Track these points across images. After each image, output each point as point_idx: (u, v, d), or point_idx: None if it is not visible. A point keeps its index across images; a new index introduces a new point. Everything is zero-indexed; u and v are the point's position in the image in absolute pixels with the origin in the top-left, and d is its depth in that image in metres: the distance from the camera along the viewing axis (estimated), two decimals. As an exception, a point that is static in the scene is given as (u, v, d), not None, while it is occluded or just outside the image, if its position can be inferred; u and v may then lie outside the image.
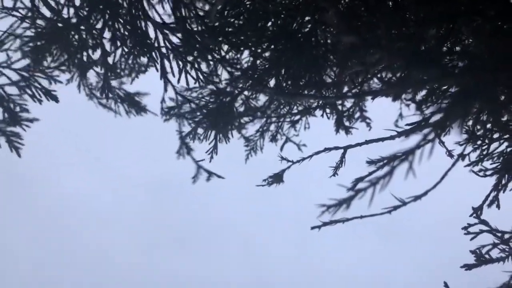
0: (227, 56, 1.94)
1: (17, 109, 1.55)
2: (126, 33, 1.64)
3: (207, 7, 1.92)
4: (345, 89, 2.20)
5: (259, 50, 2.05)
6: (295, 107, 2.50)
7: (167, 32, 1.68)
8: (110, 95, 1.86)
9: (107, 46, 1.71)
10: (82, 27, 1.62)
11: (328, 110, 2.45)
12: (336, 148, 1.71)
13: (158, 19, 1.70)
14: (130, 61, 1.74)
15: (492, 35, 1.43)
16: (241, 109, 2.34)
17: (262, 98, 2.48)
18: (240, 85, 2.10)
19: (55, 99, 1.59)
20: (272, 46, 2.03)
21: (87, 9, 1.59)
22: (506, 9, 1.39)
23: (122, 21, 1.62)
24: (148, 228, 7.51)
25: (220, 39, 1.70)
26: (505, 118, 1.63)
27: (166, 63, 1.73)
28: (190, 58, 1.71)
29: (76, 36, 1.63)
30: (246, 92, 2.24)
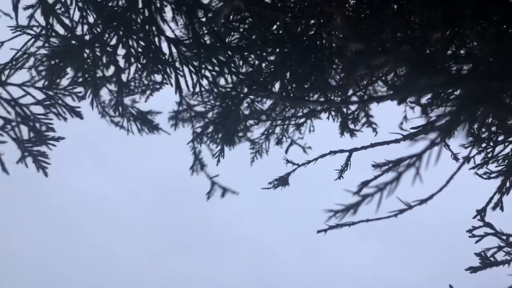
0: (241, 69, 1.94)
1: (43, 128, 1.55)
2: (140, 49, 1.63)
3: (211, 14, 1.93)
4: (350, 91, 2.21)
5: (264, 54, 2.06)
6: (300, 110, 2.52)
7: (181, 47, 1.68)
8: (123, 112, 1.86)
9: (121, 62, 1.70)
10: (97, 44, 1.61)
11: (333, 113, 2.46)
12: (342, 151, 1.72)
13: (171, 33, 1.69)
14: (143, 77, 1.74)
15: (497, 38, 1.43)
16: (247, 112, 2.36)
17: (268, 101, 2.50)
18: (246, 89, 2.11)
19: (80, 116, 1.60)
20: (277, 50, 2.04)
21: (100, 26, 1.58)
22: (511, 12, 1.39)
23: (135, 37, 1.61)
24: (154, 230, 7.54)
25: (231, 52, 1.69)
26: (510, 122, 1.64)
27: (180, 77, 1.73)
28: (203, 72, 1.70)
29: (90, 54, 1.63)
30: (251, 96, 2.25)
